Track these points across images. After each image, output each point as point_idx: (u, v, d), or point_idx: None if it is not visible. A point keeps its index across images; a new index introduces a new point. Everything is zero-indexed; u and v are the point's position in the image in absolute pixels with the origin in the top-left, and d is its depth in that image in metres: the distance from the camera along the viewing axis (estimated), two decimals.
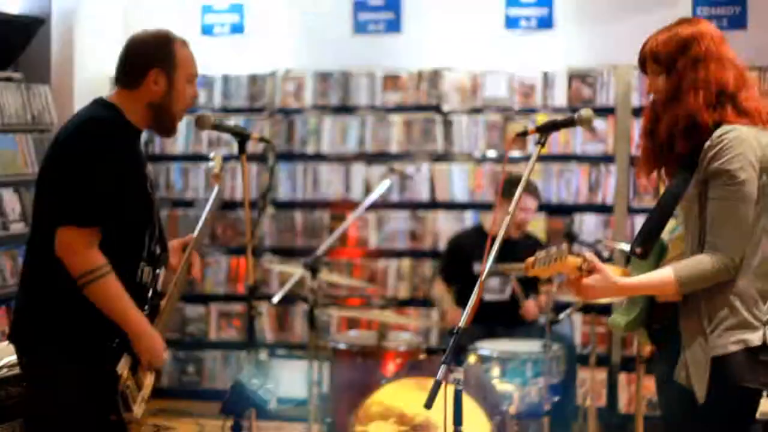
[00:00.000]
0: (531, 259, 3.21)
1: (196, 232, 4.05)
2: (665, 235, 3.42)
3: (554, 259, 3.17)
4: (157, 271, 3.76)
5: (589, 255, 3.27)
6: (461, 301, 6.38)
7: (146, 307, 3.68)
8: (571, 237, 6.99)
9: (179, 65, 3.70)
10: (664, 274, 3.23)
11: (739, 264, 3.20)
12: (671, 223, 3.42)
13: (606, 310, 7.08)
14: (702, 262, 3.20)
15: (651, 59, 3.42)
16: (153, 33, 3.75)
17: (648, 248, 3.34)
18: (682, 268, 3.21)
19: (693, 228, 3.29)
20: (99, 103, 3.67)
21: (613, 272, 3.26)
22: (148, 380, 3.69)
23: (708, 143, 3.22)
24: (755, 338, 3.19)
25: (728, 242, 3.18)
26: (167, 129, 3.78)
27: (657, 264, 3.35)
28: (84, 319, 3.52)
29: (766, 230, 3.26)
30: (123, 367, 3.56)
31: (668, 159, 3.38)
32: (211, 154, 4.06)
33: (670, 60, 3.35)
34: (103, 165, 3.47)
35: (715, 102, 3.27)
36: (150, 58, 3.66)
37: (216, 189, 4.20)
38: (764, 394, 3.25)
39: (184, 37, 3.79)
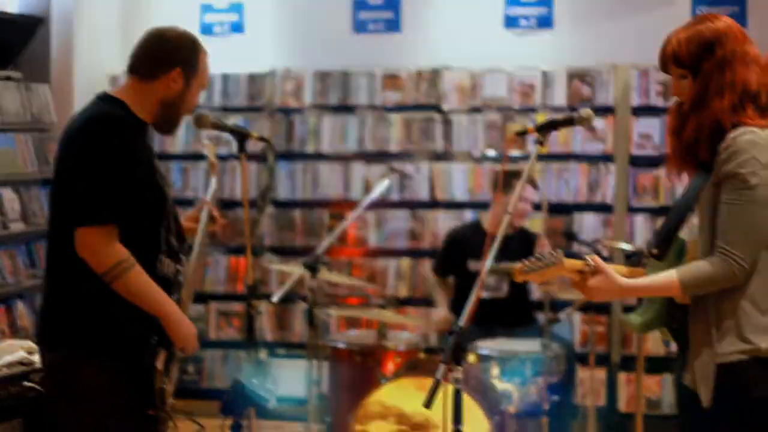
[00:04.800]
0: (519, 266, 3.16)
1: (209, 197, 4.04)
2: (686, 235, 3.38)
3: (547, 265, 3.14)
4: (178, 265, 3.75)
5: (592, 257, 3.24)
6: (457, 297, 6.38)
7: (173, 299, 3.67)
8: (570, 236, 7.00)
9: (199, 73, 3.74)
10: (668, 277, 3.18)
11: (750, 269, 3.13)
12: (695, 223, 3.37)
13: (605, 308, 7.10)
14: (708, 266, 3.14)
15: (673, 62, 3.30)
16: (183, 33, 3.76)
17: (663, 249, 3.29)
18: (686, 272, 3.16)
19: (706, 231, 3.23)
20: (103, 99, 3.66)
21: (617, 273, 3.23)
22: (173, 375, 3.70)
23: (722, 145, 3.16)
24: (765, 346, 3.14)
25: (737, 247, 3.11)
26: (170, 128, 3.78)
27: (677, 264, 3.27)
28: (115, 317, 3.52)
29: None
30: (160, 363, 3.57)
31: (692, 162, 3.31)
32: (204, 141, 4.02)
33: (695, 63, 3.25)
34: (113, 162, 3.47)
35: (738, 103, 3.19)
36: (178, 56, 3.68)
37: (213, 181, 4.19)
38: None
39: None
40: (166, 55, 3.67)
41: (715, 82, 3.22)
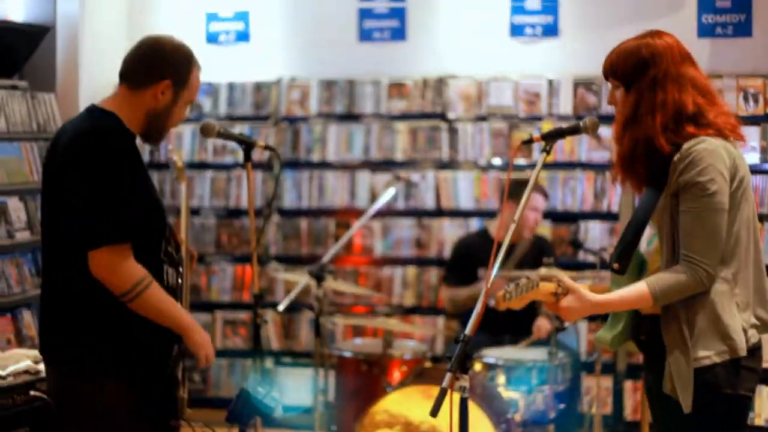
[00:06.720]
0: (501, 293, 3.18)
1: (183, 233, 4.04)
2: (643, 248, 3.44)
3: (526, 289, 3.18)
4: (179, 275, 3.74)
5: (561, 277, 3.30)
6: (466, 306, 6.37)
7: None
8: (576, 245, 6.99)
9: (189, 87, 3.66)
10: (639, 289, 3.24)
11: (715, 274, 3.21)
12: (648, 236, 3.43)
13: None
14: (675, 275, 3.21)
15: (610, 73, 3.48)
16: (179, 45, 3.68)
17: (624, 263, 3.37)
18: (656, 282, 3.22)
19: (666, 241, 3.31)
20: (94, 112, 3.60)
21: (587, 290, 3.28)
22: (186, 385, 3.70)
23: (677, 156, 3.23)
24: (739, 346, 3.20)
25: (702, 253, 3.19)
26: (155, 139, 3.72)
27: (638, 278, 3.35)
28: (131, 331, 3.48)
29: (741, 238, 3.27)
30: (180, 372, 3.57)
31: (631, 174, 3.39)
32: (169, 146, 3.96)
33: (629, 77, 3.39)
34: (120, 179, 3.41)
35: (673, 124, 3.28)
36: (169, 67, 3.60)
37: (183, 188, 4.17)
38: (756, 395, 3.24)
39: (190, 46, 3.75)
40: (158, 66, 3.59)
41: (646, 101, 3.33)
